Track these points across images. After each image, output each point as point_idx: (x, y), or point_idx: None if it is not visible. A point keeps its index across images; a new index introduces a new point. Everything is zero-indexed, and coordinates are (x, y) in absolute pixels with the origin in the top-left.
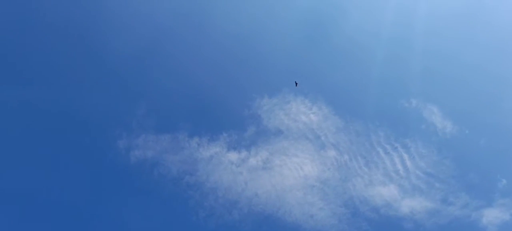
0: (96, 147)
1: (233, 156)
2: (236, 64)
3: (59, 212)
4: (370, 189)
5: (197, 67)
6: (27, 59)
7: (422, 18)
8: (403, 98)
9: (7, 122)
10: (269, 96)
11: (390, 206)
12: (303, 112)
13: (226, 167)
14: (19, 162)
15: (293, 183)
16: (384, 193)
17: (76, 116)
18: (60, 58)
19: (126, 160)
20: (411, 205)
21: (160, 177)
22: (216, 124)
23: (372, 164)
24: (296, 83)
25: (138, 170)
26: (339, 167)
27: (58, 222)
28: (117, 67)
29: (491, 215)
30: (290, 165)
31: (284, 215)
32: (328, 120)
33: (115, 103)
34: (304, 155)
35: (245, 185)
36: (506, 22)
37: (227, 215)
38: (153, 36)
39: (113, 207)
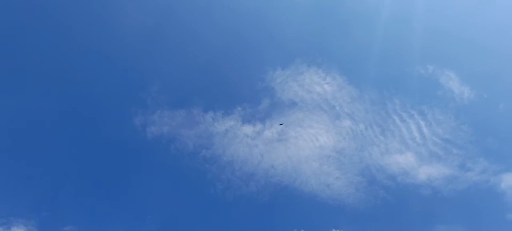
0: (112, 125)
1: (248, 129)
2: (248, 37)
3: (78, 189)
4: (386, 157)
5: (208, 42)
6: (42, 40)
7: None
8: (419, 64)
9: (24, 100)
10: (282, 68)
11: (407, 173)
12: (317, 83)
13: (242, 140)
14: (35, 141)
15: (309, 153)
16: (401, 160)
17: (91, 96)
18: (74, 37)
19: (142, 136)
20: (428, 172)
21: (177, 152)
22: (230, 98)
23: (388, 132)
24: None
25: (155, 145)
26: (354, 136)
27: (78, 199)
28: (129, 45)
29: (511, 179)
30: (305, 136)
31: (301, 185)
32: (343, 89)
33: (129, 80)
34: (319, 125)
35: (261, 157)
36: None
37: (244, 187)
38: (164, 12)
39: (132, 183)
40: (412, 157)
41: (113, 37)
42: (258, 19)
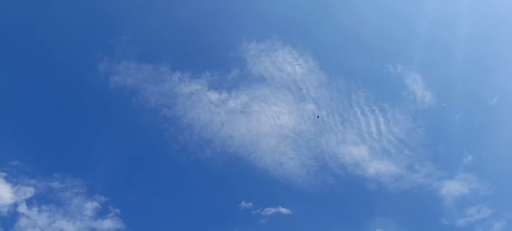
0: (75, 66)
1: (213, 95)
2: (228, 3)
3: (29, 126)
4: (341, 147)
5: (187, 1)
6: None
7: None
8: (389, 62)
9: None
10: (257, 41)
11: (357, 165)
12: (289, 63)
13: (205, 106)
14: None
15: (268, 130)
16: (354, 152)
17: (56, 34)
18: None
19: (105, 84)
20: (378, 167)
21: (138, 106)
22: (200, 61)
23: (347, 123)
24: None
25: (116, 95)
26: (315, 121)
27: (27, 135)
28: None
29: (451, 187)
30: (268, 113)
31: (255, 159)
32: (313, 73)
33: (99, 25)
34: (283, 104)
35: (221, 125)
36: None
37: (199, 152)
38: None
39: (87, 128)
40: (366, 150)
41: None
42: None
